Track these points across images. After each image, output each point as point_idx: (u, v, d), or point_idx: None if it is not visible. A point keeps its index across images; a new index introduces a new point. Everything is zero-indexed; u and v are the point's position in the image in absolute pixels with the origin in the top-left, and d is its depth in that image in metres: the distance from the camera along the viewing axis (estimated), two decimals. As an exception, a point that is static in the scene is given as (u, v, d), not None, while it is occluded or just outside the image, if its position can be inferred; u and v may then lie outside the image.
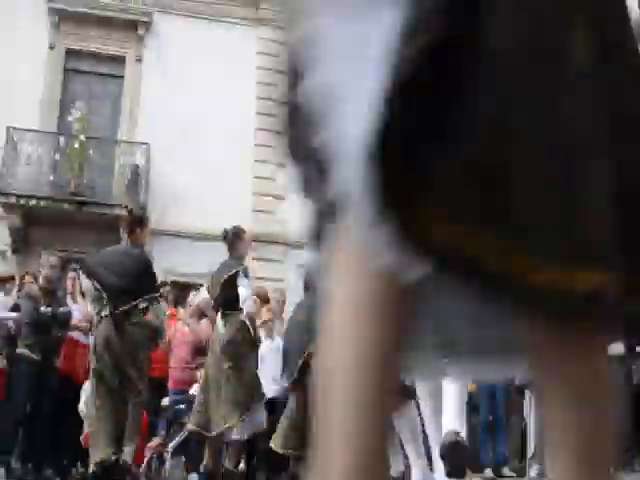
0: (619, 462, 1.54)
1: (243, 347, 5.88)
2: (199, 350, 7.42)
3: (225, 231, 6.24)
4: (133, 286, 5.39)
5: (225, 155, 12.40)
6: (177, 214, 12.17)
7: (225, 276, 5.87)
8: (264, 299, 7.89)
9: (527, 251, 0.82)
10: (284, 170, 10.98)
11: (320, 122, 0.91)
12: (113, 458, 5.01)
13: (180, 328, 8.17)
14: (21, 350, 6.85)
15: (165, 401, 8.00)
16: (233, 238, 6.15)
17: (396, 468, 4.67)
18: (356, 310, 0.92)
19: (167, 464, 7.60)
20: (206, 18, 13.77)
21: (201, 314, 7.72)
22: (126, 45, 13.89)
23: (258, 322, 7.08)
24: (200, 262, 9.98)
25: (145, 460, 7.46)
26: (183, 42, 13.28)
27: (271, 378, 7.14)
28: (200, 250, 11.02)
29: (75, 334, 7.43)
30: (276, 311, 7.92)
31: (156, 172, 12.56)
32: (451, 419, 3.04)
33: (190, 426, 6.00)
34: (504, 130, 0.82)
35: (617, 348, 8.04)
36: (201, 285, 7.82)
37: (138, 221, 5.96)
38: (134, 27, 13.81)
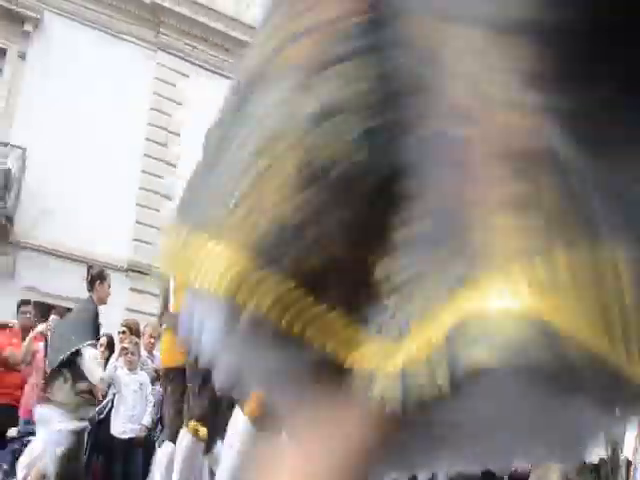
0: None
1: None
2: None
3: (88, 269, 5.96)
4: None
5: (106, 177, 11.95)
6: (48, 228, 11.39)
7: (63, 357, 5.61)
8: (135, 331, 7.63)
9: None
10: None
11: None
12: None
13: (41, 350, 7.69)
14: None
15: (12, 432, 7.48)
16: (93, 279, 5.85)
17: None
18: None
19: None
20: (102, 30, 13.36)
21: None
22: (10, 39, 13.15)
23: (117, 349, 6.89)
24: (68, 283, 9.55)
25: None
26: (75, 48, 12.72)
27: (129, 416, 6.92)
28: (69, 270, 10.54)
29: None
30: (146, 345, 7.73)
31: (32, 179, 11.79)
32: None
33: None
34: None
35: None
36: (69, 309, 7.47)
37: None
38: (20, 21, 13.08)
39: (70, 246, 11.29)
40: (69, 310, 8.84)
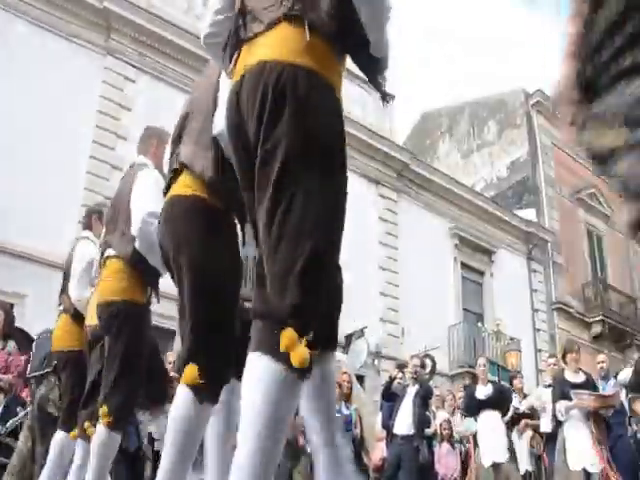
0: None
1: None
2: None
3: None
4: None
5: (53, 177, 12.02)
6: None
7: None
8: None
9: None
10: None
11: None
12: None
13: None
14: None
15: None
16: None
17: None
18: None
19: None
20: (52, 31, 13.42)
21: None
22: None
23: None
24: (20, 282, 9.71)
25: None
26: (23, 47, 12.77)
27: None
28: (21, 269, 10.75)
29: None
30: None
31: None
32: None
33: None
34: None
35: (407, 429, 8.93)
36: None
37: None
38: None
39: (15, 243, 11.39)
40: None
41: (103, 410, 3.72)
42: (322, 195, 1.83)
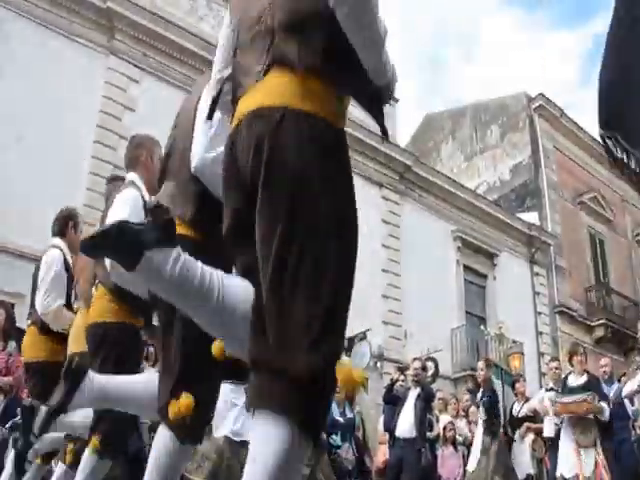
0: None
1: None
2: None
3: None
4: None
5: (54, 177, 11.99)
6: (-1, 226, 11.33)
7: None
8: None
9: None
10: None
11: None
12: None
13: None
14: None
15: None
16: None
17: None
18: None
19: None
20: (55, 30, 13.41)
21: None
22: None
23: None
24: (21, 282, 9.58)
25: None
26: (26, 46, 12.79)
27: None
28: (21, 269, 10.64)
29: None
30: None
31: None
32: None
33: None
34: None
35: (409, 432, 8.89)
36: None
37: None
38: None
39: (16, 243, 11.36)
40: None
41: (94, 439, 3.57)
42: (335, 249, 1.77)
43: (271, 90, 1.85)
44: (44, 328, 4.82)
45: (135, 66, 14.16)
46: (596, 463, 7.12)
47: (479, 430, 8.98)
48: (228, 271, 2.11)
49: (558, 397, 7.61)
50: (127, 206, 3.47)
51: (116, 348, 3.65)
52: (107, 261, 3.40)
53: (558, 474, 7.32)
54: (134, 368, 3.68)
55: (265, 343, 1.72)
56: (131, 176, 3.81)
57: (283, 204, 1.75)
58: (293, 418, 1.61)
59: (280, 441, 1.59)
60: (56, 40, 13.34)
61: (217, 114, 2.45)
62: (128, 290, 3.51)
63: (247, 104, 1.89)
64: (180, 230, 2.55)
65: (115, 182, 4.28)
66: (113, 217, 3.40)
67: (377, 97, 2.00)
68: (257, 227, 1.81)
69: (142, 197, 3.64)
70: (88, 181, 12.81)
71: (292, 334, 1.68)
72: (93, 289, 3.96)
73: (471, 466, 8.78)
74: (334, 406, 8.39)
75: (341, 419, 8.54)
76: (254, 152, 1.81)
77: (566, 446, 7.44)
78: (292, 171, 1.76)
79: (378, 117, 2.02)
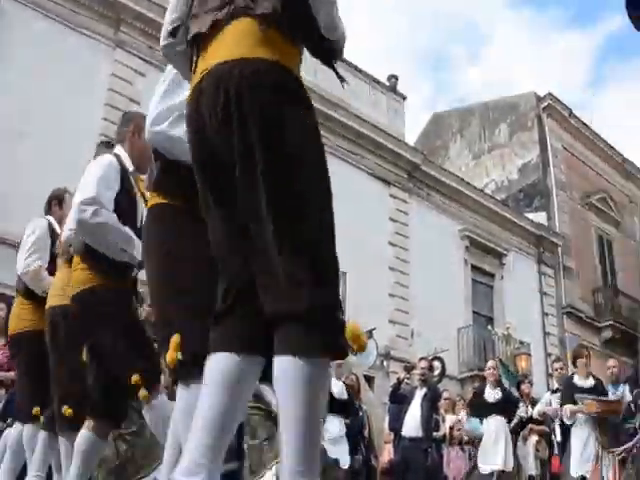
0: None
1: None
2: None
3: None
4: None
5: (57, 167, 11.85)
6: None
7: None
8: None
9: None
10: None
11: None
12: None
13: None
14: None
15: None
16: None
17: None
18: None
19: None
20: (61, 22, 13.31)
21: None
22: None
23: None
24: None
25: None
26: (33, 36, 12.68)
27: None
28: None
29: None
30: None
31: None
32: None
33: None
34: None
35: (415, 432, 8.79)
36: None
37: None
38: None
39: (17, 235, 11.23)
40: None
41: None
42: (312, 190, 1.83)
43: (235, 42, 1.87)
44: (27, 293, 4.73)
45: (141, 59, 14.08)
46: (611, 464, 7.08)
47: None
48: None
49: (579, 397, 7.49)
50: (96, 180, 3.51)
51: (101, 310, 3.53)
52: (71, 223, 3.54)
53: (575, 473, 7.20)
54: (128, 330, 3.55)
55: (275, 294, 1.77)
56: (117, 149, 3.84)
57: (267, 157, 1.78)
58: (314, 355, 1.69)
59: (307, 381, 1.68)
60: (63, 32, 13.27)
61: (169, 68, 2.61)
62: (100, 253, 3.53)
63: (211, 57, 1.90)
64: (154, 200, 2.75)
65: (104, 148, 4.25)
66: (83, 191, 3.51)
67: (331, 52, 2.07)
68: (240, 180, 1.83)
69: (121, 167, 3.66)
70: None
71: (295, 280, 1.74)
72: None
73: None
74: (336, 422, 8.44)
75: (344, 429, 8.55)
76: (223, 106, 1.81)
77: (581, 445, 7.36)
78: (269, 121, 1.79)
79: (332, 65, 2.10)
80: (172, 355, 2.40)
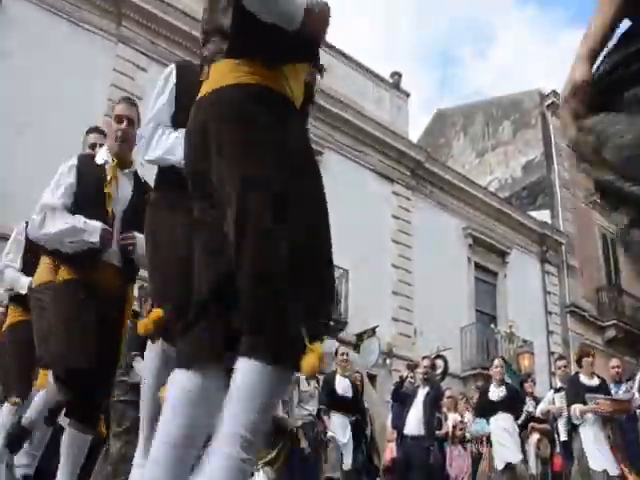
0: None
1: None
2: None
3: None
4: None
5: (59, 164, 11.82)
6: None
7: None
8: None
9: None
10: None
11: None
12: None
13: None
14: None
15: None
16: None
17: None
18: None
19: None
20: (63, 17, 13.26)
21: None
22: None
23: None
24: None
25: None
26: (35, 31, 12.62)
27: None
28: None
29: None
30: None
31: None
32: None
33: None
34: None
35: (417, 430, 8.75)
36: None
37: None
38: (-22, 2, 12.90)
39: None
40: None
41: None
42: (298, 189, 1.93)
43: (212, 77, 2.06)
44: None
45: (143, 54, 14.02)
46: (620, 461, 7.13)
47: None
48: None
49: (589, 397, 7.48)
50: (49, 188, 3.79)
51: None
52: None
53: (596, 468, 7.21)
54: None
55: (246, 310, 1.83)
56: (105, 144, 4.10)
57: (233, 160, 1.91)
58: (261, 360, 1.75)
59: (261, 384, 1.74)
60: (64, 26, 13.22)
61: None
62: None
63: (201, 92, 2.11)
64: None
65: (92, 134, 4.79)
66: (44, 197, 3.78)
67: (302, 40, 2.04)
68: (215, 177, 1.95)
69: (86, 163, 3.87)
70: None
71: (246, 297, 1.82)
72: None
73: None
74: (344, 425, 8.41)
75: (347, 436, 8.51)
76: (200, 125, 2.02)
77: (597, 443, 7.36)
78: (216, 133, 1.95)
79: (314, 59, 2.15)
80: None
